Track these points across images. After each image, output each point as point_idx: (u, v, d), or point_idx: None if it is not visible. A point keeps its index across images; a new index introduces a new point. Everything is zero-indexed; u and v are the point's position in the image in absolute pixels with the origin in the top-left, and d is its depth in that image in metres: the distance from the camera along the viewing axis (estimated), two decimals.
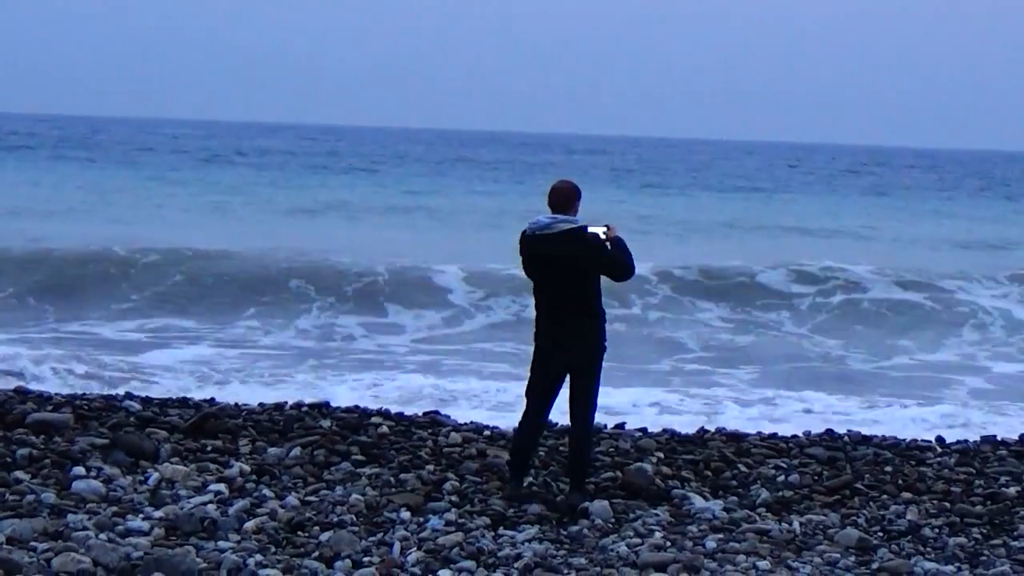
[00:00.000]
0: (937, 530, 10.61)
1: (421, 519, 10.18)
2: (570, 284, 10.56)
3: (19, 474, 10.67)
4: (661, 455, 12.41)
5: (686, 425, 14.65)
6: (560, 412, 11.17)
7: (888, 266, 30.57)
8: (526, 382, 10.94)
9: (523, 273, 10.91)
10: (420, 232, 39.26)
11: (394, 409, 14.38)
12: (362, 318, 24.99)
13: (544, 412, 10.88)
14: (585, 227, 10.58)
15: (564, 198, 10.69)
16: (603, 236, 10.58)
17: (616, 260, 10.61)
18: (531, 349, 10.90)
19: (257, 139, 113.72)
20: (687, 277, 28.57)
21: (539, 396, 10.81)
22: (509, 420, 13.31)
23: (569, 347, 10.62)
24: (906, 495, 11.56)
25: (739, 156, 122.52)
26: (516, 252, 10.81)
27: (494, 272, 27.19)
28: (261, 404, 14.27)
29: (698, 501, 11.02)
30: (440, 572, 9.08)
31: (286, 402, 14.32)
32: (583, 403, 10.73)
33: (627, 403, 16.85)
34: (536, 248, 10.63)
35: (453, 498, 10.77)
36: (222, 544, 9.27)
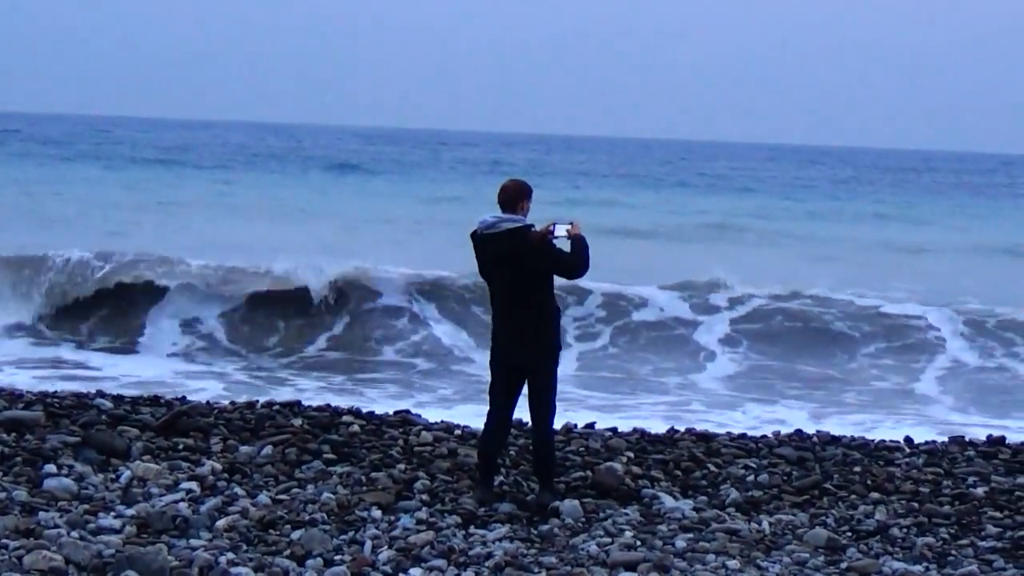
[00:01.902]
0: (905, 530, 10.69)
1: (392, 518, 10.21)
2: (518, 283, 10.57)
3: None
4: (631, 455, 12.45)
5: (656, 425, 14.74)
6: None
7: None
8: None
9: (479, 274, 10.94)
10: None
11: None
12: None
13: (506, 412, 10.89)
14: (529, 226, 10.59)
15: (511, 197, 10.70)
16: (567, 234, 10.60)
17: (562, 258, 10.59)
18: None
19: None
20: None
21: (499, 396, 10.84)
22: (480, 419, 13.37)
23: (521, 346, 10.63)
24: (875, 495, 11.63)
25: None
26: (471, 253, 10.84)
27: None
28: (232, 402, 14.28)
29: (668, 501, 11.08)
30: (411, 570, 9.12)
31: (257, 400, 14.35)
32: (540, 403, 10.76)
33: None
34: (483, 247, 10.67)
35: (424, 497, 10.79)
36: (194, 542, 9.28)
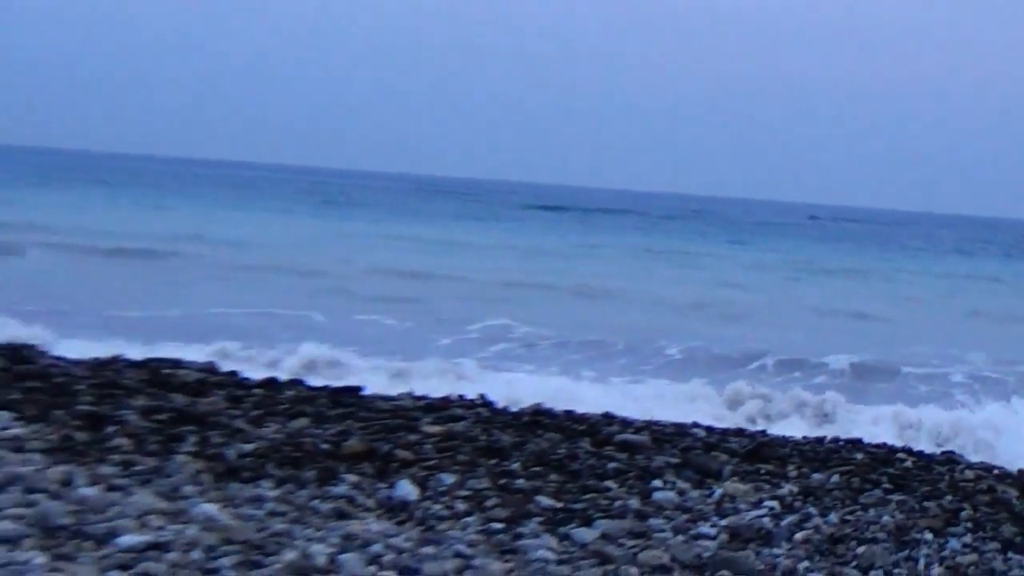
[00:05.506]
0: None
1: (942, 541, 11.35)
2: None
3: (609, 483, 12.20)
4: None
5: None
6: None
7: None
8: None
9: None
10: None
11: None
12: None
13: None
14: None
15: None
16: None
17: None
18: None
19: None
20: None
21: None
22: None
23: None
24: None
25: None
26: None
27: None
28: (804, 437, 15.75)
29: None
30: None
31: (825, 436, 15.84)
32: None
33: None
34: None
35: (968, 524, 11.81)
36: (775, 551, 10.64)
